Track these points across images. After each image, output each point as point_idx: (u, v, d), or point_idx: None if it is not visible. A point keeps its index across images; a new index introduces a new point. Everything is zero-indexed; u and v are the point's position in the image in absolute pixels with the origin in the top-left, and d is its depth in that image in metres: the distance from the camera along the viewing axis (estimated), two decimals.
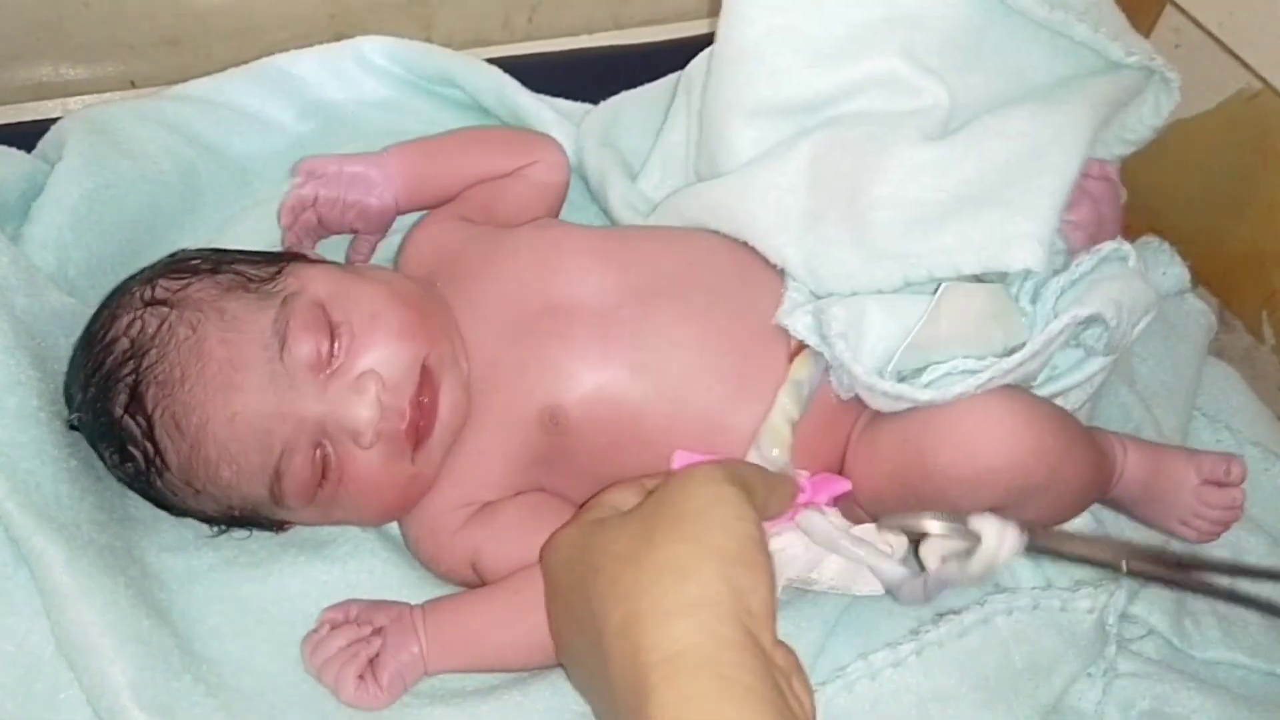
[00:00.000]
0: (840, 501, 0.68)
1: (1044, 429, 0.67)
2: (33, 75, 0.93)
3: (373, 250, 0.85)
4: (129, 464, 0.66)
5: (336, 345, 0.66)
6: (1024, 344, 0.67)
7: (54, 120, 0.82)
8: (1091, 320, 0.67)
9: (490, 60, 0.93)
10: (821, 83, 0.73)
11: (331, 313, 0.67)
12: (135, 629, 0.60)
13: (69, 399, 0.68)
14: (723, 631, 0.49)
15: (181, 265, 0.69)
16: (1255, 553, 0.82)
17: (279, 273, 0.69)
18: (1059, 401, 0.72)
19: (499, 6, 1.01)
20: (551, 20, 1.04)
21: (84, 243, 0.75)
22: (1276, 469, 0.87)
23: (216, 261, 0.70)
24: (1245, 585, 0.62)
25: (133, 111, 0.83)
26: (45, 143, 0.81)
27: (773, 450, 0.68)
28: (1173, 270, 0.91)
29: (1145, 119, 0.78)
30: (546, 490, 0.73)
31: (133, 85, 0.95)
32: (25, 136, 0.82)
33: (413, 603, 0.69)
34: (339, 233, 0.84)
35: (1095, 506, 0.77)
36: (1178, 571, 0.61)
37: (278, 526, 0.72)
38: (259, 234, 0.82)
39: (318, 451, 0.66)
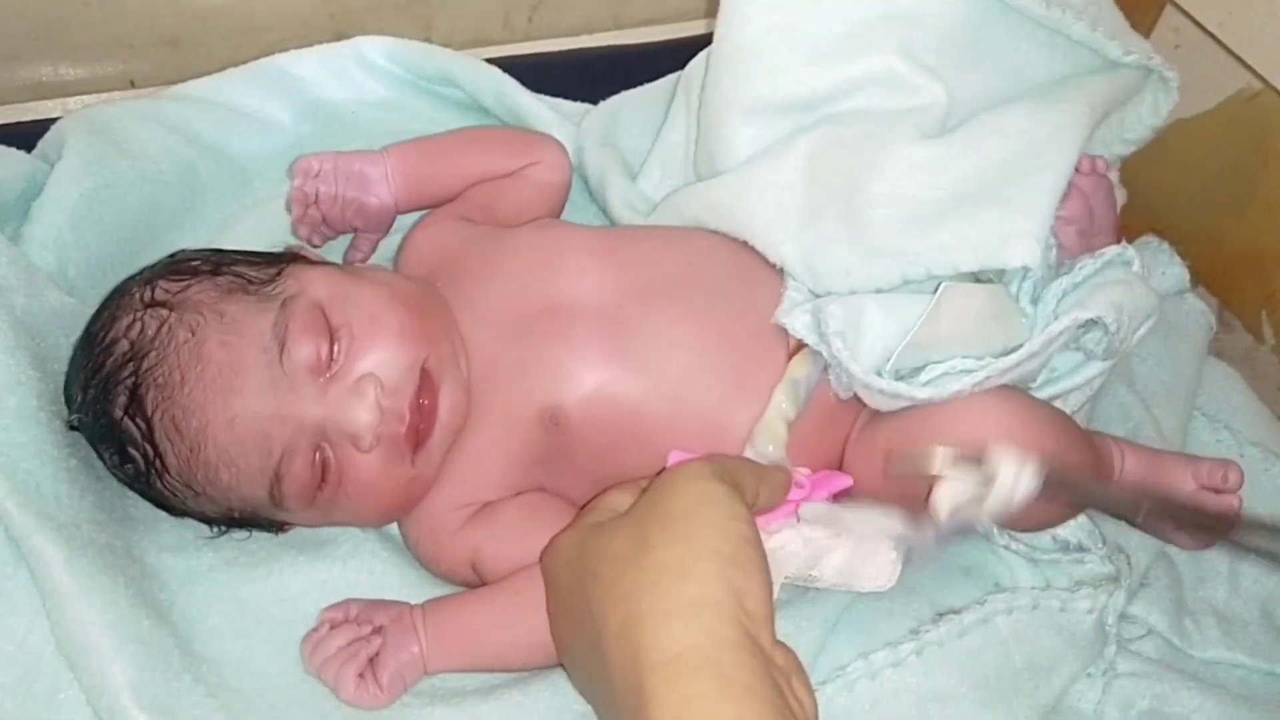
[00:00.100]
0: (841, 498, 0.68)
1: (1041, 430, 0.67)
2: (32, 75, 0.93)
3: (373, 249, 0.85)
4: (129, 465, 0.66)
5: (336, 348, 0.66)
6: (1023, 345, 0.67)
7: (54, 120, 0.82)
8: (1092, 324, 0.67)
9: (490, 60, 0.93)
10: (819, 81, 0.73)
11: (331, 315, 0.67)
12: (135, 629, 0.60)
13: (69, 400, 0.68)
14: (722, 632, 0.49)
15: (181, 266, 0.69)
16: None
17: (278, 274, 0.69)
18: (1058, 404, 0.73)
19: (499, 6, 1.01)
20: (551, 20, 1.04)
21: (84, 242, 0.76)
22: (1277, 469, 0.86)
23: (216, 263, 0.69)
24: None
25: (132, 111, 0.83)
26: (45, 143, 0.81)
27: (768, 446, 0.68)
28: (1172, 270, 0.91)
29: (1144, 119, 0.78)
30: (546, 490, 0.73)
31: (132, 85, 0.95)
32: (25, 136, 0.82)
33: (413, 602, 0.69)
34: (341, 231, 0.84)
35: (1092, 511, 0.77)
36: (1193, 520, 0.59)
37: (278, 528, 0.72)
38: (259, 233, 0.82)
39: (317, 454, 0.66)
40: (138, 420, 0.65)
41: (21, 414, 0.64)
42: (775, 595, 0.57)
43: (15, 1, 0.88)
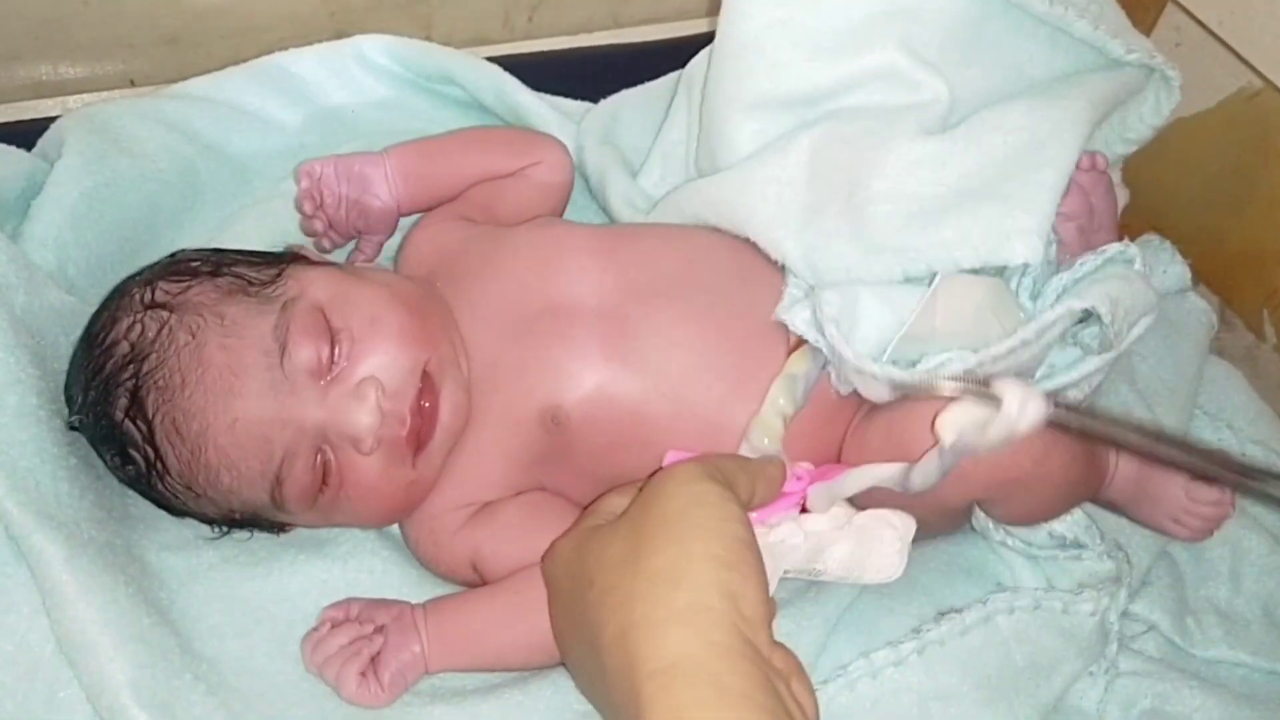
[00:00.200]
0: None
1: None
2: (32, 74, 0.93)
3: (378, 250, 0.85)
4: (130, 467, 0.66)
5: (337, 351, 0.66)
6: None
7: (53, 119, 0.82)
8: (1088, 316, 0.67)
9: (490, 59, 0.92)
10: (821, 76, 0.73)
11: (331, 318, 0.67)
12: (135, 627, 0.60)
13: (69, 400, 0.68)
14: (716, 638, 0.49)
15: (181, 267, 0.69)
16: (1256, 552, 0.82)
17: (279, 276, 0.69)
18: None
19: (499, 5, 1.01)
20: (551, 19, 1.04)
21: (83, 241, 0.75)
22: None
23: (216, 263, 0.69)
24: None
25: (132, 110, 0.83)
26: (45, 141, 0.81)
27: (764, 441, 0.67)
28: (1174, 269, 0.91)
29: (1146, 118, 0.78)
30: (547, 489, 0.73)
31: (132, 84, 0.95)
32: (25, 135, 0.82)
33: (414, 602, 0.69)
34: (345, 234, 0.84)
35: (1089, 507, 0.76)
36: (1205, 461, 0.58)
37: (279, 529, 0.72)
38: (259, 232, 0.82)
39: (318, 457, 0.66)
40: (138, 422, 0.65)
41: (21, 412, 0.64)
42: (774, 592, 0.57)
43: (15, 0, 0.88)
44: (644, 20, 1.06)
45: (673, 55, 0.89)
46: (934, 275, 0.67)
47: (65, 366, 0.69)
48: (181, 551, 0.69)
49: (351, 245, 0.85)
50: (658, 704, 0.47)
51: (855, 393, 0.69)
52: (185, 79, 0.88)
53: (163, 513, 0.70)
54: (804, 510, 0.64)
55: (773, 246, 0.72)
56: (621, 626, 0.51)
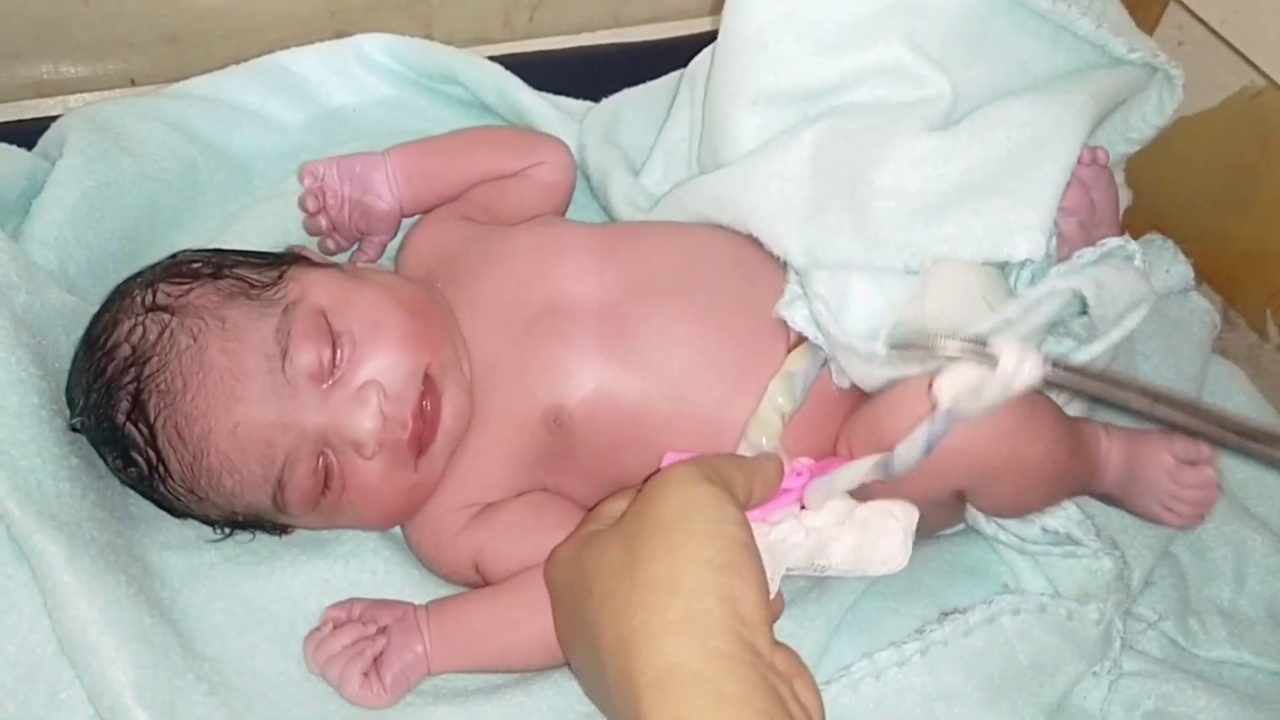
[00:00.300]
0: None
1: (1020, 409, 0.64)
2: (33, 73, 0.93)
3: (381, 251, 0.85)
4: (132, 469, 0.66)
5: (338, 354, 0.66)
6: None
7: (54, 118, 0.82)
8: (1074, 298, 0.66)
9: (491, 58, 0.92)
10: (825, 71, 0.73)
11: (333, 321, 0.67)
12: (137, 628, 0.60)
13: (71, 402, 0.68)
14: (714, 644, 0.49)
15: (182, 269, 0.69)
16: (1260, 552, 0.82)
17: (280, 278, 0.69)
18: (1063, 404, 0.72)
19: (499, 4, 1.01)
20: (552, 18, 1.04)
21: (85, 240, 0.75)
22: None
23: (218, 265, 0.69)
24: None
25: (133, 109, 0.83)
26: (46, 140, 0.81)
27: (761, 439, 0.67)
28: (1176, 268, 0.90)
29: (1149, 117, 0.78)
30: (549, 490, 0.73)
31: (132, 83, 0.95)
32: (26, 134, 0.82)
33: (416, 602, 0.69)
34: (348, 236, 0.83)
35: (1090, 506, 0.76)
36: (1207, 423, 0.57)
37: (281, 530, 0.71)
38: (259, 232, 0.82)
39: (320, 461, 0.66)
40: (140, 426, 0.64)
41: (22, 412, 0.64)
42: (775, 592, 0.57)
43: (16, 0, 0.87)
44: (645, 19, 1.06)
45: (674, 54, 0.89)
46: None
47: (67, 366, 0.69)
48: (183, 551, 0.69)
49: (354, 245, 0.85)
50: (656, 713, 0.47)
51: (855, 388, 0.69)
52: (186, 78, 0.88)
53: (164, 513, 0.69)
54: (805, 506, 0.64)
55: (775, 242, 0.71)
56: (620, 635, 0.51)
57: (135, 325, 0.65)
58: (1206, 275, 0.95)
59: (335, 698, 0.65)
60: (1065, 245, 0.73)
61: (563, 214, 0.85)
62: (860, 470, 0.61)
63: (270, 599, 0.68)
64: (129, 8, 0.91)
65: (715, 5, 1.05)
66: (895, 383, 0.67)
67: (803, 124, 0.73)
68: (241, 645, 0.65)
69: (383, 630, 0.66)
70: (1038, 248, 0.65)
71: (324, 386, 0.65)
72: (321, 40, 0.91)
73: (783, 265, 0.72)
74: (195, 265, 0.69)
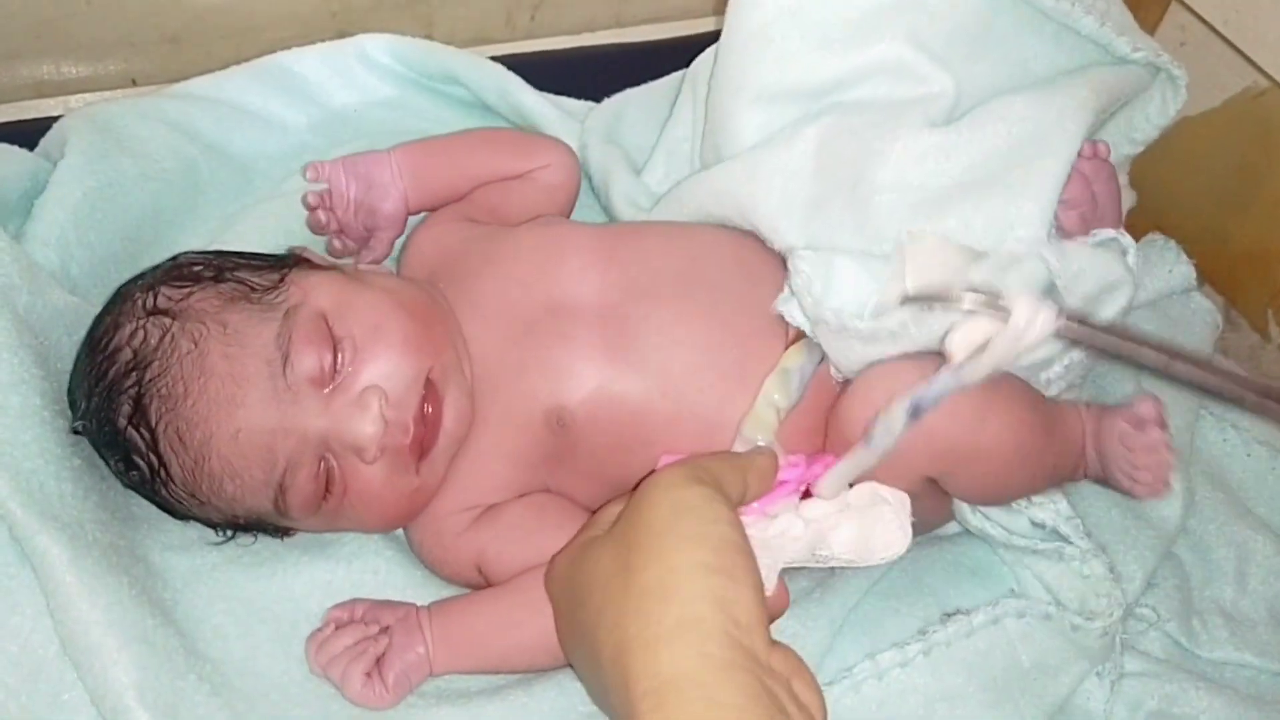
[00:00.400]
0: None
1: (996, 390, 0.65)
2: (34, 73, 0.92)
3: (391, 246, 0.84)
4: (134, 473, 0.66)
5: (339, 359, 0.66)
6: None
7: (55, 118, 0.82)
8: (1041, 264, 0.65)
9: (492, 58, 0.92)
10: (828, 67, 0.73)
11: (334, 325, 0.67)
12: (139, 629, 0.60)
13: (72, 405, 0.68)
14: (709, 650, 0.48)
15: (183, 272, 0.69)
16: (1262, 553, 0.82)
17: (281, 281, 0.69)
18: (1043, 385, 0.72)
19: (500, 5, 1.01)
20: (553, 18, 1.04)
21: (86, 241, 0.75)
22: None
23: (219, 268, 0.69)
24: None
25: (134, 109, 0.83)
26: (47, 141, 0.81)
27: (757, 437, 0.67)
28: (1179, 269, 0.90)
29: (1152, 118, 0.78)
30: (551, 490, 0.73)
31: (133, 83, 0.95)
32: (27, 134, 0.82)
33: (418, 603, 0.69)
34: (356, 237, 0.83)
35: (1091, 507, 0.76)
36: (1224, 380, 0.56)
37: (283, 533, 0.71)
38: (261, 232, 0.82)
39: (321, 465, 0.66)
40: (141, 430, 0.64)
41: (25, 413, 0.64)
42: (772, 589, 0.57)
43: (17, 0, 0.87)
44: (646, 20, 1.06)
45: (675, 55, 0.89)
46: None
47: (69, 367, 0.69)
48: (185, 552, 0.69)
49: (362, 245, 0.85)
50: None
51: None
52: (187, 78, 0.88)
53: (166, 514, 0.69)
54: (804, 496, 0.63)
55: (776, 236, 0.71)
56: (615, 645, 0.50)
57: (136, 329, 0.65)
58: (1208, 276, 0.95)
59: (337, 698, 0.65)
60: (1065, 238, 0.73)
61: (567, 216, 0.85)
62: (863, 453, 0.61)
63: (272, 600, 0.68)
64: (130, 8, 0.90)
65: (717, 5, 1.05)
66: (866, 369, 0.67)
67: (805, 120, 0.73)
68: (244, 646, 0.66)
69: (385, 631, 0.66)
70: (1038, 242, 0.65)
71: (325, 391, 0.65)
72: (323, 40, 0.90)
73: (784, 264, 0.72)
74: (196, 268, 0.69)
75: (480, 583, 0.71)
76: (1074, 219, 0.73)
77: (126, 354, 0.65)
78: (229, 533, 0.70)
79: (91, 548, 0.62)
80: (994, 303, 0.55)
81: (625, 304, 0.71)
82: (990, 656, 0.69)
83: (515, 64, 0.92)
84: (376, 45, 0.91)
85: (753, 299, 0.71)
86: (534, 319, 0.71)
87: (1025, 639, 0.70)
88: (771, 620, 0.59)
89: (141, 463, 0.65)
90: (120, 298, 0.69)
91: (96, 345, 0.66)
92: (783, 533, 0.60)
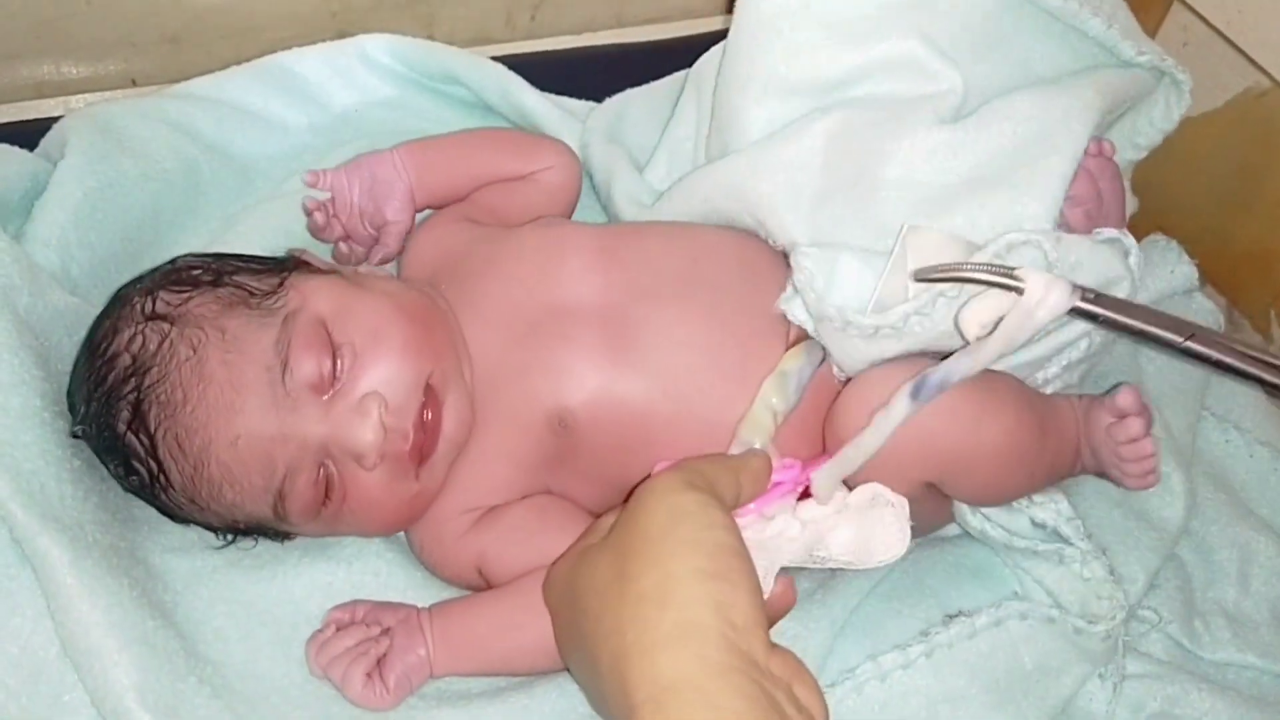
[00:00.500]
0: None
1: (990, 385, 0.65)
2: (34, 73, 0.92)
3: (401, 240, 0.83)
4: (133, 477, 0.66)
5: (339, 365, 0.66)
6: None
7: (56, 119, 0.81)
8: (1038, 251, 0.64)
9: (493, 58, 0.92)
10: (837, 63, 0.73)
11: (333, 331, 0.66)
12: (140, 630, 0.60)
13: (72, 409, 0.68)
14: (707, 655, 0.48)
15: (182, 275, 0.68)
16: (1265, 554, 0.82)
17: (280, 285, 0.68)
18: (1040, 385, 0.71)
19: (501, 5, 1.01)
20: (554, 18, 1.03)
21: (87, 241, 0.75)
22: None
23: (218, 271, 0.69)
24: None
25: (135, 109, 0.83)
26: (47, 141, 0.81)
27: (753, 439, 0.67)
28: (1180, 269, 0.90)
29: (1156, 122, 0.78)
30: (553, 492, 0.73)
31: (134, 83, 0.95)
32: (27, 135, 0.82)
33: (419, 604, 0.69)
34: (362, 240, 0.83)
35: (1090, 510, 0.76)
36: (1241, 360, 0.55)
37: (283, 537, 0.71)
38: (261, 232, 0.82)
39: (321, 472, 0.66)
40: (141, 436, 0.64)
41: (25, 414, 0.64)
42: (769, 591, 0.57)
43: (17, 0, 0.87)
44: (647, 20, 1.06)
45: (676, 55, 0.89)
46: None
47: (69, 368, 0.69)
48: (186, 554, 0.69)
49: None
50: None
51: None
52: (187, 79, 0.87)
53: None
54: (803, 497, 0.63)
55: (781, 231, 0.71)
56: (614, 652, 0.50)
57: (135, 334, 0.65)
58: (1210, 276, 0.95)
59: (338, 700, 0.65)
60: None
61: (569, 217, 0.85)
62: (861, 449, 0.61)
63: (273, 602, 0.68)
64: (130, 8, 0.90)
65: (717, 5, 1.05)
66: (864, 373, 0.67)
67: (814, 115, 0.72)
68: (244, 648, 0.65)
69: (386, 632, 0.66)
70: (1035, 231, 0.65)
71: (324, 398, 0.65)
72: (323, 40, 0.90)
73: (786, 264, 0.72)
74: (195, 271, 0.69)
75: (481, 585, 0.71)
76: (1079, 216, 0.73)
77: (125, 359, 0.65)
78: (229, 537, 0.70)
79: (92, 549, 0.61)
80: (1006, 277, 0.54)
81: (627, 305, 0.71)
82: (993, 658, 0.69)
83: (516, 64, 0.92)
84: (377, 45, 0.90)
85: (754, 300, 0.71)
86: (536, 320, 0.71)
87: (1028, 641, 0.70)
88: (777, 619, 0.59)
89: (141, 468, 0.65)
90: (119, 301, 0.69)
91: (95, 349, 0.66)
92: (779, 534, 0.61)
